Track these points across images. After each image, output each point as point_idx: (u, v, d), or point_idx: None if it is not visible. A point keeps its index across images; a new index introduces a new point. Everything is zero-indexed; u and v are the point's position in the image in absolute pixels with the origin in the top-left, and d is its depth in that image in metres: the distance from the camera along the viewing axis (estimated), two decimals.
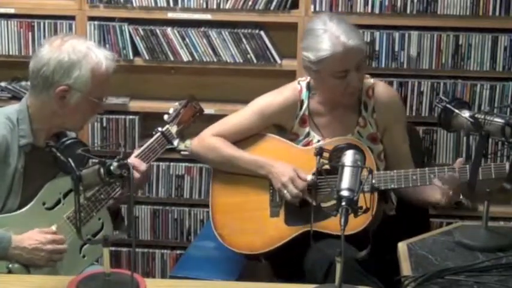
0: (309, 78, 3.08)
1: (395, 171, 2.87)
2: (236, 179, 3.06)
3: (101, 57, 2.62)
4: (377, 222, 2.85)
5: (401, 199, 3.09)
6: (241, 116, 3.11)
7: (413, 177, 2.83)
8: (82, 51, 2.59)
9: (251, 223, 3.01)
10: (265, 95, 3.13)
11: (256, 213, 3.02)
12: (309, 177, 2.91)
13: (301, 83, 3.10)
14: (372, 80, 3.08)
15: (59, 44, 2.60)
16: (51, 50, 2.59)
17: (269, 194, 3.02)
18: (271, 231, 2.98)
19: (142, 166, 2.77)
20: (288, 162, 2.98)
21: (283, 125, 3.11)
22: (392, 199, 3.11)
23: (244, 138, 3.09)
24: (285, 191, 2.93)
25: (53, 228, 2.62)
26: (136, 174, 2.73)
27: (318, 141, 3.04)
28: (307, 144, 3.06)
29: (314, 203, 2.80)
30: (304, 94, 3.07)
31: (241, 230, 3.02)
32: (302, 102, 3.07)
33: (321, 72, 2.93)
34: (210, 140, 3.08)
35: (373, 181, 2.81)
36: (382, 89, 3.08)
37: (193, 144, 3.14)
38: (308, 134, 3.07)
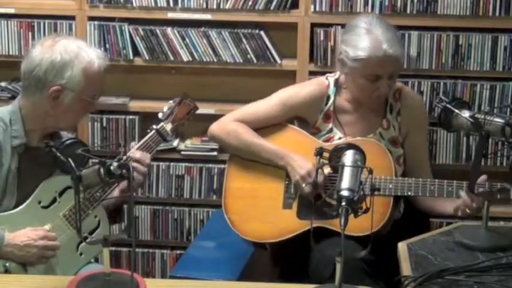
0: (337, 74, 3.08)
1: (413, 179, 2.87)
2: (253, 165, 3.05)
3: (92, 56, 2.62)
4: (390, 225, 2.88)
5: (408, 203, 3.10)
6: (264, 105, 3.10)
7: (431, 187, 2.84)
8: (74, 51, 2.59)
9: (262, 211, 3.01)
10: (292, 86, 3.14)
11: (269, 202, 3.01)
12: (326, 170, 2.89)
13: (329, 78, 3.10)
14: (399, 83, 3.08)
15: (50, 45, 2.60)
16: (43, 51, 2.59)
17: (284, 184, 3.02)
18: (282, 222, 2.97)
19: (147, 160, 2.77)
20: (306, 155, 2.96)
21: (306, 118, 3.10)
22: (400, 206, 3.11)
23: (264, 127, 3.08)
24: (303, 185, 2.92)
25: (47, 227, 2.62)
26: (142, 168, 2.74)
27: (340, 138, 3.03)
28: (328, 140, 3.05)
29: (314, 202, 2.81)
30: (332, 90, 3.07)
31: (252, 217, 3.01)
32: (328, 97, 3.06)
33: (353, 69, 2.93)
34: (231, 125, 3.08)
35: (390, 186, 2.83)
36: (409, 93, 3.11)
37: (213, 128, 3.13)
38: (331, 130, 3.06)
